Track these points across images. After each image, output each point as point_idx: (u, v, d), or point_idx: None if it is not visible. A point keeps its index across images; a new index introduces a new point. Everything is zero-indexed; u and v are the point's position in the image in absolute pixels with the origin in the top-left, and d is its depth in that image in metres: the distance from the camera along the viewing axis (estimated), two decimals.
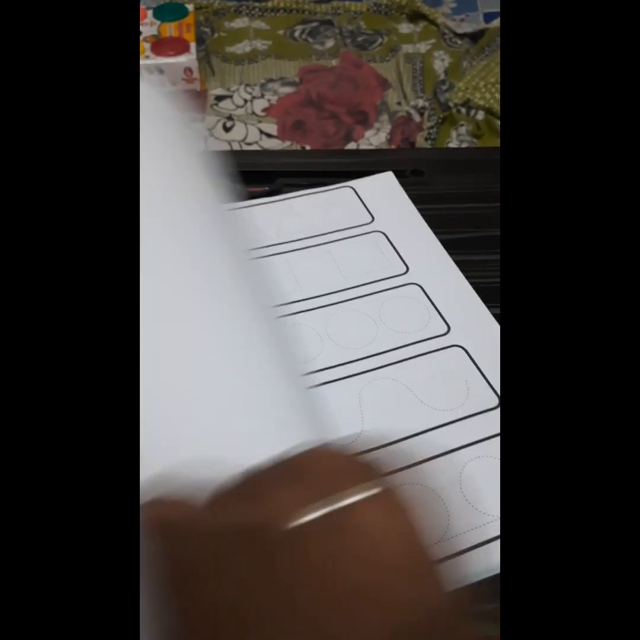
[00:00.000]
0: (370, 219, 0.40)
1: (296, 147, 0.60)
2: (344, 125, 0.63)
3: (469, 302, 0.35)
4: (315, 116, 0.64)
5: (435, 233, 0.39)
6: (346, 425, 0.30)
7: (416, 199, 0.40)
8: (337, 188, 0.41)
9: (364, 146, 0.61)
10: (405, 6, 0.72)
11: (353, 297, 0.35)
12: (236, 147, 0.60)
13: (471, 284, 0.36)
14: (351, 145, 0.61)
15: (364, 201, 0.41)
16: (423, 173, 0.43)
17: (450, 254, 0.37)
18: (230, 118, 0.63)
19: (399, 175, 0.42)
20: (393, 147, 0.60)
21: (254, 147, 0.61)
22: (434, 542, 0.17)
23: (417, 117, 0.62)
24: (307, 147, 0.60)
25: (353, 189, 0.41)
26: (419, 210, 0.40)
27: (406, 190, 0.41)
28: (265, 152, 0.54)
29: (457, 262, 0.37)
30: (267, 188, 0.41)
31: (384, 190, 0.41)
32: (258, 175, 0.42)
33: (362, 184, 0.42)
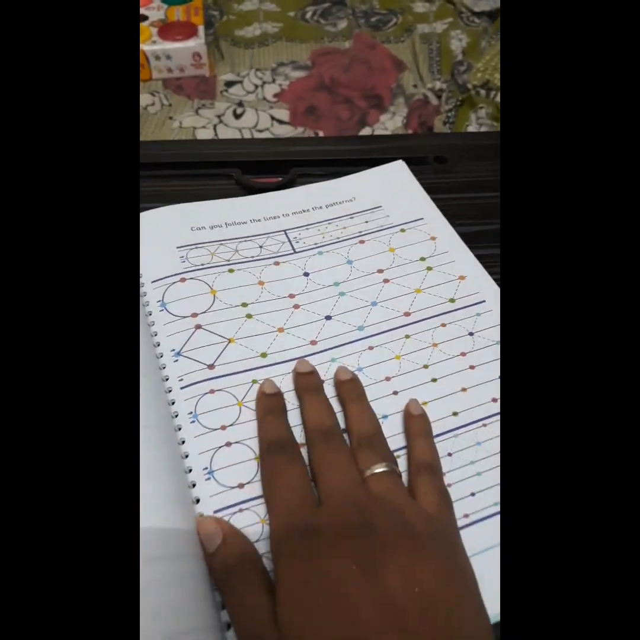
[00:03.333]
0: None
1: (309, 133, 0.58)
2: (358, 109, 0.61)
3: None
4: (328, 101, 0.62)
5: (456, 225, 0.37)
6: None
7: (438, 188, 0.38)
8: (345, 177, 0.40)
9: (379, 131, 0.59)
10: None
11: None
12: (247, 134, 0.59)
13: (495, 280, 0.34)
14: (366, 130, 0.59)
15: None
16: (446, 160, 0.41)
17: (471, 248, 0.36)
18: (240, 104, 0.61)
19: (420, 162, 0.40)
20: (409, 131, 0.58)
21: (266, 134, 0.59)
22: None
23: (434, 100, 0.60)
24: (320, 133, 0.58)
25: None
26: (442, 199, 0.38)
27: (428, 178, 0.39)
28: (277, 140, 0.52)
29: (479, 257, 0.35)
30: (280, 179, 0.39)
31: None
32: (271, 165, 0.41)
33: (368, 173, 0.40)
